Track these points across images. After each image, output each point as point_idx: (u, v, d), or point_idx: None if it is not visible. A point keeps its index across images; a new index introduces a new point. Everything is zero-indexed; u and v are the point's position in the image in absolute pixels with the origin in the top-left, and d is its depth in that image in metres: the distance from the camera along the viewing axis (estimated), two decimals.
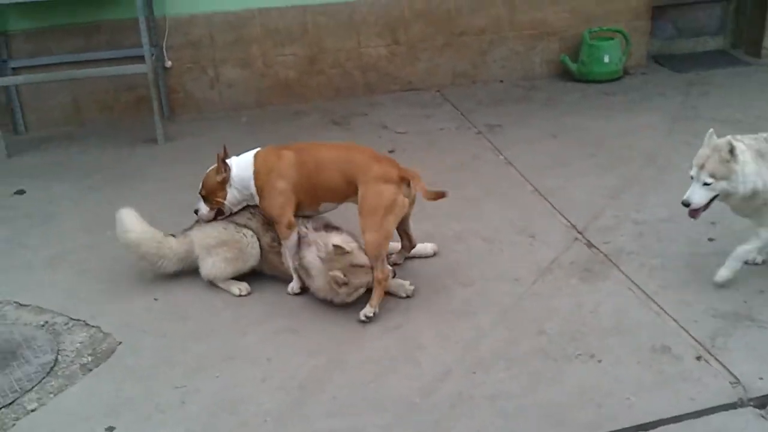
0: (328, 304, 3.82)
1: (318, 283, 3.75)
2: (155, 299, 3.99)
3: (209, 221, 4.07)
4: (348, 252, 3.67)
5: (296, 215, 3.89)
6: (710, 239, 4.26)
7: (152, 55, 6.04)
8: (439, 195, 3.72)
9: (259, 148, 4.01)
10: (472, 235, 4.43)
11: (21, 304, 4.00)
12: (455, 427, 2.99)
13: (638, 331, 3.52)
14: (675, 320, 3.58)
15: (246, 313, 3.85)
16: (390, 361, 3.41)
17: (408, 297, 3.86)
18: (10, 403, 3.25)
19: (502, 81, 7.21)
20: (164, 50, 6.49)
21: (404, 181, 3.72)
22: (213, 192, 4.00)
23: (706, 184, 3.51)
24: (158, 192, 5.24)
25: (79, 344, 3.64)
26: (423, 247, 4.20)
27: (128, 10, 6.30)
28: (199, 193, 4.05)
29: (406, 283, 3.89)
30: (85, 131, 6.51)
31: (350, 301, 3.75)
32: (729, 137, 3.50)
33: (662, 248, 4.21)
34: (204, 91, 6.74)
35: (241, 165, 3.96)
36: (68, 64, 6.36)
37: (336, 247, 3.67)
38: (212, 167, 4.02)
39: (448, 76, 7.11)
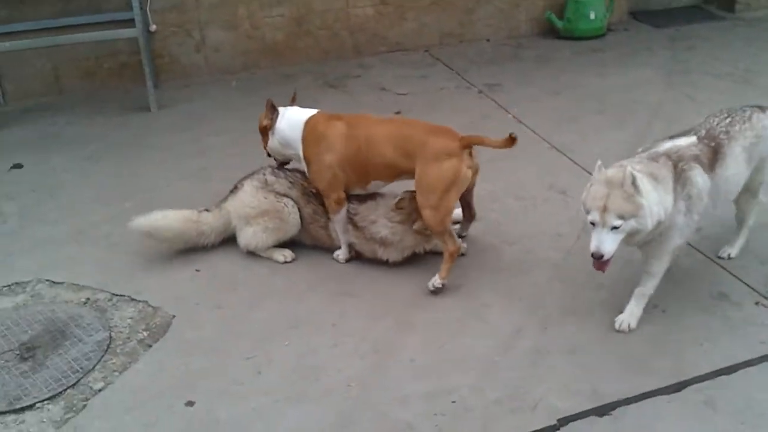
0: (380, 267, 3.80)
1: (406, 243, 3.73)
2: (197, 270, 3.87)
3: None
4: (412, 197, 3.64)
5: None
6: None
7: (135, 19, 5.77)
8: (511, 140, 3.43)
9: (312, 112, 3.85)
10: (504, 194, 4.43)
11: (54, 282, 3.82)
12: (542, 383, 3.00)
13: (692, 280, 3.60)
14: (724, 268, 3.67)
15: (297, 279, 3.77)
16: (458, 321, 3.41)
17: (462, 255, 3.83)
18: (74, 384, 3.12)
19: (488, 40, 7.20)
20: (148, 13, 6.22)
21: (467, 149, 3.56)
22: (261, 134, 3.96)
23: (614, 227, 2.92)
24: (163, 161, 5.07)
25: (130, 320, 3.51)
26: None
27: None
28: None
29: (460, 241, 3.86)
30: (67, 100, 6.22)
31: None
32: (628, 168, 2.92)
33: None
34: (190, 56, 6.51)
35: (291, 122, 3.83)
36: (46, 30, 6.03)
37: (400, 200, 3.65)
38: None
39: (436, 35, 7.05)
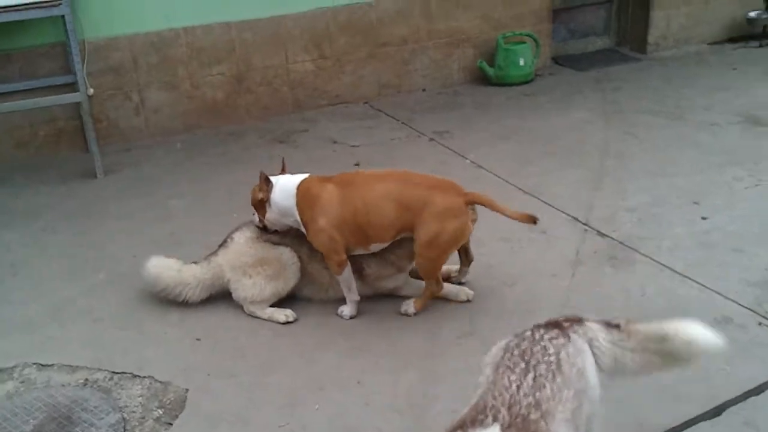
0: (384, 319, 3.76)
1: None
2: (197, 339, 3.70)
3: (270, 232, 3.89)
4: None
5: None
6: (703, 218, 4.58)
7: (78, 82, 5.55)
8: (532, 219, 3.55)
9: (303, 177, 3.76)
10: (489, 237, 4.45)
11: (43, 365, 3.56)
12: None
13: (692, 307, 3.73)
14: (718, 293, 3.83)
15: (304, 339, 3.67)
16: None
17: (468, 301, 3.84)
18: None
19: (424, 89, 7.32)
20: (84, 77, 5.99)
21: (470, 206, 3.60)
22: (256, 208, 3.82)
23: None
24: (125, 229, 4.85)
25: (140, 398, 3.30)
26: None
27: (40, 36, 5.83)
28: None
29: (465, 288, 3.88)
30: (1, 170, 5.87)
31: None
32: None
33: (665, 231, 4.48)
34: (129, 119, 6.30)
35: (284, 191, 3.72)
36: None
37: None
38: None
39: (374, 87, 7.11)
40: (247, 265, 3.81)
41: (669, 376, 3.14)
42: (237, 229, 3.98)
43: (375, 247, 3.73)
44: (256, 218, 3.87)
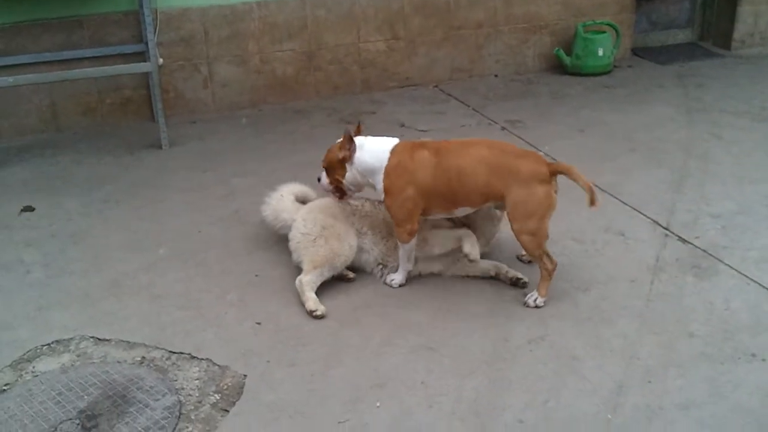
0: (454, 318, 3.60)
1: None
2: (258, 323, 3.59)
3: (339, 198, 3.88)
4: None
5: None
6: None
7: (149, 51, 5.47)
8: (592, 199, 3.48)
9: (396, 141, 3.70)
10: (562, 236, 4.26)
11: (100, 339, 3.49)
12: None
13: None
14: None
15: (370, 332, 3.51)
16: (553, 375, 3.20)
17: (526, 283, 3.73)
18: None
19: (496, 75, 7.10)
20: (155, 47, 5.91)
21: (554, 175, 3.52)
22: (332, 167, 3.75)
23: None
24: (189, 203, 4.77)
25: (197, 381, 3.20)
26: None
27: (113, 3, 5.78)
28: (322, 163, 3.79)
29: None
30: (66, 138, 5.87)
31: None
32: None
33: (751, 241, 4.20)
34: (196, 91, 6.22)
35: (373, 152, 3.66)
36: (46, 64, 5.69)
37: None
38: (339, 140, 3.72)
39: (446, 70, 6.92)
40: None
41: (750, 399, 2.98)
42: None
43: (461, 212, 3.70)
44: (323, 179, 3.81)
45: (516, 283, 3.81)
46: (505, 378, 3.19)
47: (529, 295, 3.66)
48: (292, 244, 3.86)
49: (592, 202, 3.47)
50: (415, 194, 3.57)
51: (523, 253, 3.99)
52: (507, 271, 3.86)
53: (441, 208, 3.67)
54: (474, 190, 3.55)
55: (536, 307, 3.61)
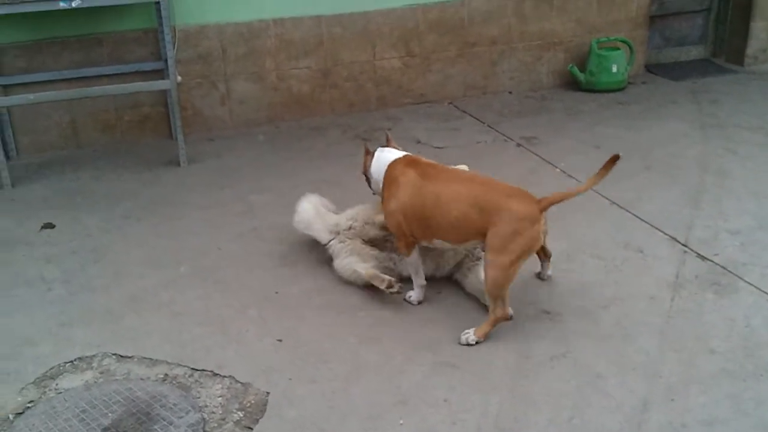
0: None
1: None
2: (279, 340, 3.60)
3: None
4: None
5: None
6: None
7: (168, 69, 5.53)
8: (606, 170, 3.57)
9: (398, 156, 3.80)
10: (580, 252, 4.28)
11: (122, 356, 3.51)
12: None
13: None
14: None
15: (390, 348, 3.52)
16: (577, 392, 3.20)
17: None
18: None
19: (510, 92, 7.13)
20: (174, 64, 5.97)
21: (545, 211, 3.47)
22: (364, 175, 4.00)
23: None
24: (207, 221, 4.80)
25: (220, 398, 3.22)
26: None
27: (132, 21, 5.83)
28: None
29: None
30: (86, 155, 5.92)
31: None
32: None
33: None
34: (214, 108, 6.27)
35: (378, 164, 3.82)
36: (66, 81, 5.75)
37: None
38: None
39: (460, 87, 6.95)
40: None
41: None
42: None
43: (438, 243, 3.68)
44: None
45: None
46: (528, 395, 3.19)
47: (464, 332, 3.53)
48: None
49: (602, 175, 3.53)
50: (397, 211, 3.64)
51: (539, 270, 4.00)
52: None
53: (420, 235, 3.65)
54: (447, 221, 3.51)
55: (466, 344, 3.49)
